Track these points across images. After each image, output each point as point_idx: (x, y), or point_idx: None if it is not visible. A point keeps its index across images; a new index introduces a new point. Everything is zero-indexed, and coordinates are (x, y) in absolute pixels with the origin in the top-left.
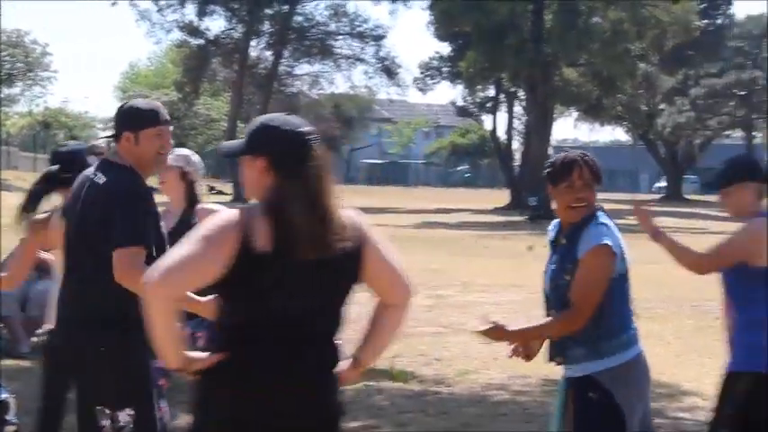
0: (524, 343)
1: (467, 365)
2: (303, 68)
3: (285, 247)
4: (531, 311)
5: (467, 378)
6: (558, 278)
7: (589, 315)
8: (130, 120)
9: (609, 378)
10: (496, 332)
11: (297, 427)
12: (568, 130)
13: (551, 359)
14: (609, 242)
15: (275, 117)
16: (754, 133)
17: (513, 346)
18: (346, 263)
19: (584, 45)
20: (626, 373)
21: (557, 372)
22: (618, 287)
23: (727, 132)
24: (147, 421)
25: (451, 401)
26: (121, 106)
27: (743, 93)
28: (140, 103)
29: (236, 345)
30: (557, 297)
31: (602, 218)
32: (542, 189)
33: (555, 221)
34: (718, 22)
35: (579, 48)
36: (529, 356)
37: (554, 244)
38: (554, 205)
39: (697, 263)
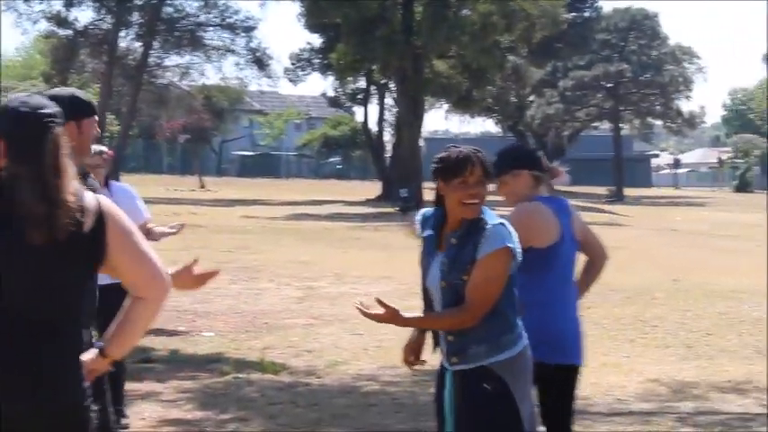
0: (400, 324)
1: (337, 356)
2: (173, 60)
3: (11, 231)
4: (402, 302)
5: (337, 369)
6: (452, 277)
7: (483, 313)
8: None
9: (503, 368)
10: (389, 316)
11: (20, 415)
12: (439, 121)
13: (447, 359)
14: (511, 244)
15: (15, 98)
16: (621, 125)
17: (406, 356)
18: (80, 249)
19: (454, 37)
20: (517, 364)
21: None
22: (511, 284)
23: (595, 124)
24: None
25: (322, 393)
26: (57, 96)
27: (610, 85)
28: (78, 93)
29: None
30: (450, 295)
31: (494, 216)
32: (413, 181)
33: (423, 212)
34: (586, 14)
35: (449, 40)
36: (417, 359)
37: (433, 239)
38: (427, 197)
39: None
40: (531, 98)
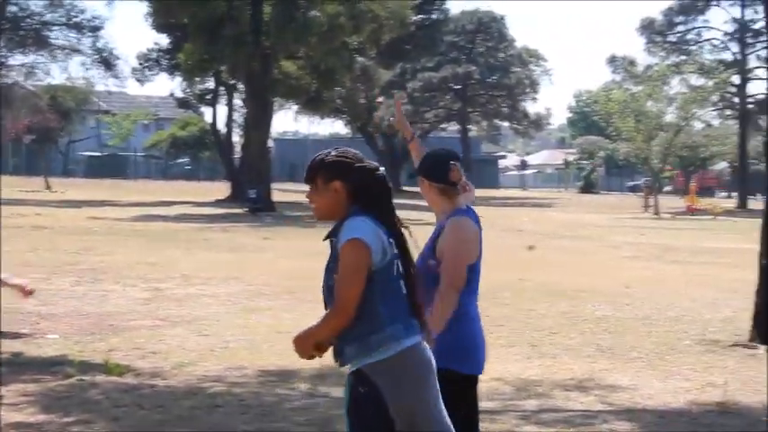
0: (312, 344)
1: (183, 358)
2: (18, 59)
3: None
4: (249, 302)
5: (183, 370)
6: (328, 279)
7: (350, 309)
8: None
9: (376, 371)
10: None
11: None
12: (289, 122)
13: (336, 361)
14: (359, 235)
15: None
16: (469, 126)
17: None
18: None
19: (303, 38)
20: (396, 366)
21: (274, 363)
22: (381, 281)
23: (443, 125)
24: None
25: (167, 394)
26: None
27: (458, 86)
28: None
29: None
30: (330, 298)
31: (359, 214)
32: (262, 182)
33: None
34: (434, 17)
35: (297, 41)
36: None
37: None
38: (276, 198)
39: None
40: (380, 99)
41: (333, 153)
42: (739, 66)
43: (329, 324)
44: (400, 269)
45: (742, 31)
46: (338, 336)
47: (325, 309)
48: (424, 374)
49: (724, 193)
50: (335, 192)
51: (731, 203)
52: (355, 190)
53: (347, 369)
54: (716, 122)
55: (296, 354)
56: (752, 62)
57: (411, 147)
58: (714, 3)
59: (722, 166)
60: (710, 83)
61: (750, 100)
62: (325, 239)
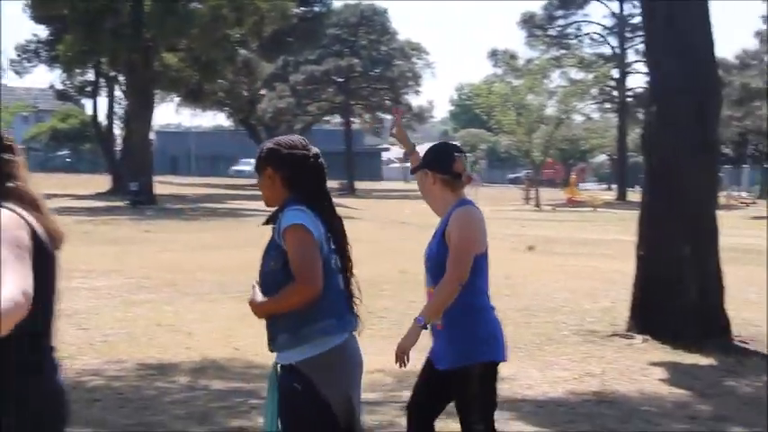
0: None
1: (62, 351)
2: None
3: None
4: (131, 296)
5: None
6: (265, 265)
7: (315, 282)
8: None
9: (310, 366)
10: (251, 303)
11: None
12: (171, 115)
13: (268, 346)
14: (300, 221)
15: None
16: (352, 119)
17: None
18: None
19: (184, 30)
20: (329, 361)
21: (153, 356)
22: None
23: (326, 118)
24: None
25: None
26: None
27: (341, 79)
28: None
29: None
30: (264, 283)
31: (296, 203)
32: (144, 175)
33: None
34: (317, 9)
35: (179, 33)
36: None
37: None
38: (158, 191)
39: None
40: (263, 92)
41: (272, 141)
42: (618, 59)
43: (291, 296)
44: (338, 263)
45: (621, 26)
46: (271, 323)
47: (264, 296)
48: (354, 369)
49: (604, 186)
50: (270, 179)
51: (611, 195)
52: (288, 177)
53: (276, 359)
54: (596, 115)
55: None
56: (630, 56)
57: (412, 159)
58: None
59: (602, 158)
60: (590, 76)
61: (629, 93)
62: (265, 224)
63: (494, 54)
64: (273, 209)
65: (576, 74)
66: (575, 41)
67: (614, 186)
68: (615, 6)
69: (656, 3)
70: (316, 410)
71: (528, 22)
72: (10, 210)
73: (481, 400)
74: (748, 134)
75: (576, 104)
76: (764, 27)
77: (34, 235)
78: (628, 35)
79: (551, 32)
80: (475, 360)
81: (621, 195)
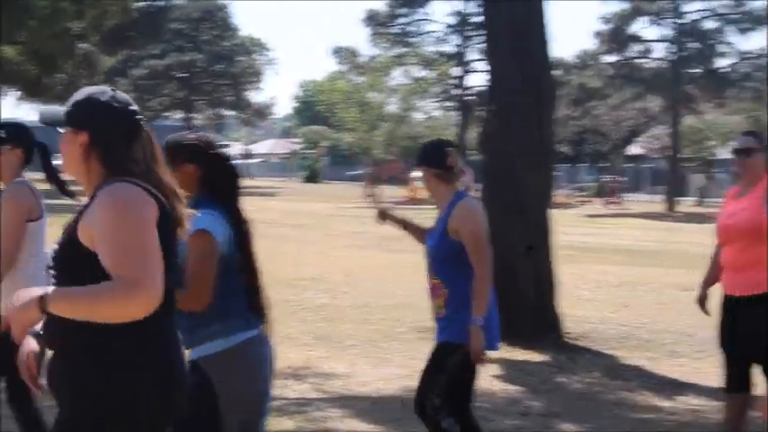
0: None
1: None
2: None
3: None
4: None
5: None
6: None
7: (203, 294)
8: None
9: (209, 364)
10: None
11: None
12: (11, 108)
13: None
14: (205, 226)
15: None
16: (194, 115)
17: None
18: None
19: (23, 23)
20: (227, 361)
21: None
22: (218, 275)
23: (167, 113)
24: None
25: None
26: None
27: (183, 75)
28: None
29: None
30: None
31: (206, 203)
32: None
33: None
34: (158, 3)
35: (18, 25)
36: None
37: None
38: None
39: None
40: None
41: (190, 136)
42: (460, 58)
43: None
44: (242, 264)
45: (462, 25)
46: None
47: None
48: (257, 369)
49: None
50: (187, 175)
51: None
52: (204, 176)
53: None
54: (437, 113)
55: None
56: (471, 55)
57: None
58: None
59: None
60: (432, 74)
61: (470, 92)
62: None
63: (337, 51)
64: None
65: (418, 72)
66: (417, 39)
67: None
68: (458, 5)
69: (496, 3)
70: (208, 408)
71: (372, 19)
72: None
73: (452, 380)
74: (586, 133)
75: (418, 102)
76: (603, 27)
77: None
78: (469, 34)
79: (394, 30)
80: (468, 342)
81: None
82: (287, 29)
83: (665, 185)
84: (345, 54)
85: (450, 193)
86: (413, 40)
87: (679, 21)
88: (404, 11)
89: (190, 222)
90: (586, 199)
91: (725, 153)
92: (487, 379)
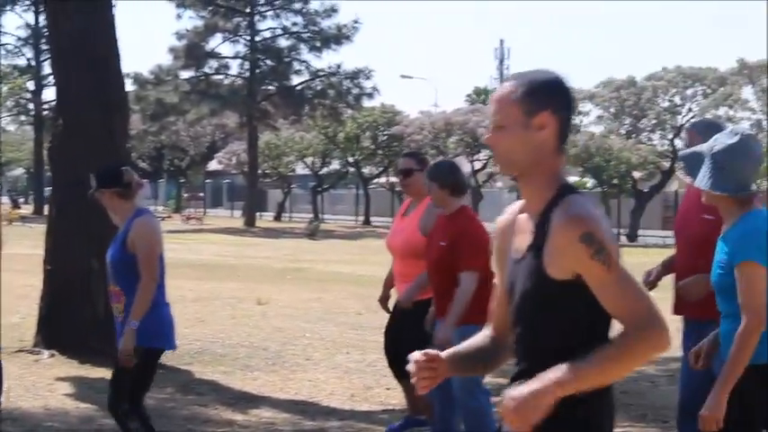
0: None
1: None
2: None
3: None
4: None
5: None
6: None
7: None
8: None
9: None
10: None
11: None
12: None
13: None
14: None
15: None
16: None
17: None
18: None
19: None
20: None
21: None
22: None
23: None
24: None
25: None
26: None
27: None
28: None
29: None
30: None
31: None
32: None
33: None
34: None
35: None
36: None
37: None
38: None
39: None
40: None
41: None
42: (34, 71)
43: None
44: None
45: (36, 38)
46: None
47: None
48: None
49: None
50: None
51: (28, 209)
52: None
53: None
54: (12, 128)
55: None
56: (46, 68)
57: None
58: (8, 8)
59: (19, 171)
60: (5, 88)
61: (45, 106)
62: None
63: None
64: None
65: None
66: None
67: (31, 200)
68: (30, 18)
69: (60, 15)
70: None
71: None
72: None
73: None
74: (164, 148)
75: None
76: (177, 44)
77: None
78: (43, 47)
79: None
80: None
81: (39, 209)
82: None
83: (244, 201)
84: None
85: (131, 210)
86: None
87: (254, 38)
88: None
89: None
90: (166, 215)
91: (301, 169)
92: (60, 398)
